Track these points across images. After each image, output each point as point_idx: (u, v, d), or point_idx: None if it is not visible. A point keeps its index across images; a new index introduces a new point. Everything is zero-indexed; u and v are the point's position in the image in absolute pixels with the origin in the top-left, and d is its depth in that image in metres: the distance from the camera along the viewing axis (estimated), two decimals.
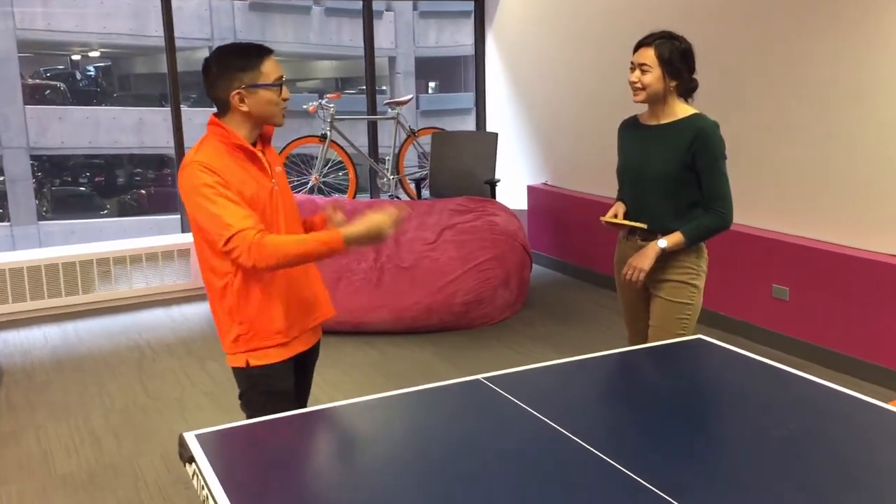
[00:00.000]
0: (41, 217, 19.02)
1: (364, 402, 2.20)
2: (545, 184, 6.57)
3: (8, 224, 18.17)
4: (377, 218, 2.26)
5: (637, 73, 2.81)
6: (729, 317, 4.87)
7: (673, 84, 2.80)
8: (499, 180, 6.21)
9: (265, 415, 2.36)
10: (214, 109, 2.36)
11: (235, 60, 2.25)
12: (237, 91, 2.24)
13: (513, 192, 6.87)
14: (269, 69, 2.27)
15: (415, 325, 4.99)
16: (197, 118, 2.40)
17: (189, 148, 2.36)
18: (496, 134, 6.25)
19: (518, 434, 1.94)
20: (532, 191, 6.61)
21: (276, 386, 2.41)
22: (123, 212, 19.71)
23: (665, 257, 2.85)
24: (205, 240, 2.29)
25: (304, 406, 2.66)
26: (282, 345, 2.40)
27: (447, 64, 22.27)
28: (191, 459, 1.88)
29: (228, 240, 2.17)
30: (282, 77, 2.31)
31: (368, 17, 6.76)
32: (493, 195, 6.14)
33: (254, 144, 2.35)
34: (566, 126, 6.29)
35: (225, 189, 2.20)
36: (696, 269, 2.91)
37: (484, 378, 2.30)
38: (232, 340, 2.37)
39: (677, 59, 2.77)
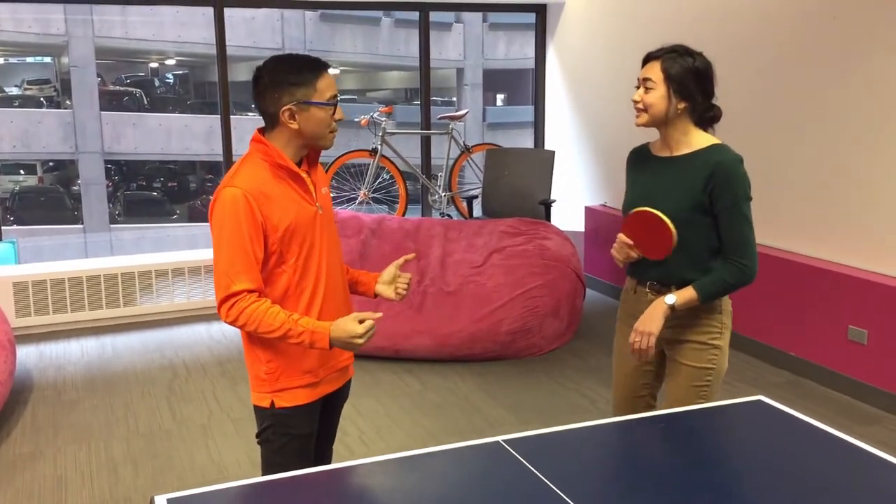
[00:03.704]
0: (113, 220, 19.43)
1: (367, 464, 1.95)
2: (604, 205, 6.24)
3: (81, 227, 18.61)
4: (353, 329, 2.04)
5: (640, 90, 2.39)
6: (798, 357, 4.47)
7: (681, 106, 2.36)
8: (554, 200, 5.90)
9: (283, 457, 2.23)
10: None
11: (290, 74, 2.08)
12: (288, 107, 2.07)
13: (569, 213, 6.55)
14: (325, 86, 2.10)
15: (457, 353, 4.73)
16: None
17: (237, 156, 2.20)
18: (553, 152, 5.96)
19: None
20: (590, 212, 6.28)
21: (298, 429, 2.24)
22: (193, 217, 20.01)
23: (680, 314, 2.40)
24: None
25: (329, 451, 2.48)
26: (310, 385, 2.22)
27: (516, 76, 22.00)
28: None
29: (227, 298, 2.07)
30: (336, 96, 2.12)
31: (425, 29, 6.55)
32: (548, 216, 5.84)
33: (299, 164, 2.18)
34: (628, 146, 5.91)
35: (247, 238, 2.06)
36: (718, 327, 2.44)
37: (504, 440, 2.02)
38: (257, 377, 2.21)
39: (690, 78, 2.34)
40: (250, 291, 2.06)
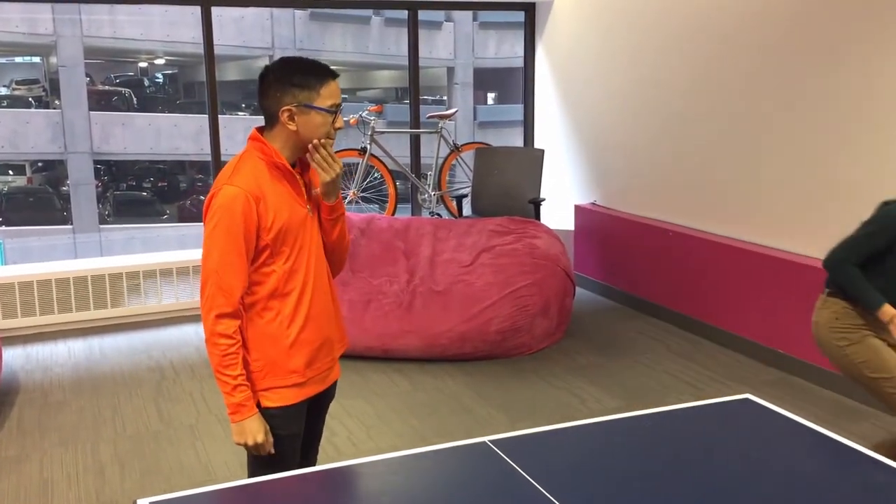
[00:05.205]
0: (102, 221, 19.33)
1: (356, 465, 1.94)
2: (594, 204, 6.24)
3: (70, 227, 18.51)
4: (257, 436, 2.12)
5: None
6: (787, 354, 4.48)
7: None
8: (544, 199, 5.90)
9: (268, 457, 2.20)
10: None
11: (295, 75, 2.09)
12: (288, 107, 2.08)
13: (559, 212, 6.55)
14: (328, 93, 2.11)
15: (447, 353, 4.72)
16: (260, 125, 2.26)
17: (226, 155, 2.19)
18: (542, 150, 5.95)
19: None
20: (579, 211, 6.28)
21: (284, 429, 2.22)
22: (183, 217, 19.93)
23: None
24: None
25: (314, 451, 2.46)
26: (297, 385, 2.21)
27: (506, 75, 22.00)
28: None
29: (205, 288, 2.09)
30: (338, 105, 2.13)
31: (414, 28, 6.54)
32: (538, 215, 5.83)
33: (294, 165, 2.18)
34: (617, 144, 5.96)
35: (241, 239, 2.07)
36: None
37: (490, 441, 2.01)
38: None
39: None
40: (237, 298, 2.08)
